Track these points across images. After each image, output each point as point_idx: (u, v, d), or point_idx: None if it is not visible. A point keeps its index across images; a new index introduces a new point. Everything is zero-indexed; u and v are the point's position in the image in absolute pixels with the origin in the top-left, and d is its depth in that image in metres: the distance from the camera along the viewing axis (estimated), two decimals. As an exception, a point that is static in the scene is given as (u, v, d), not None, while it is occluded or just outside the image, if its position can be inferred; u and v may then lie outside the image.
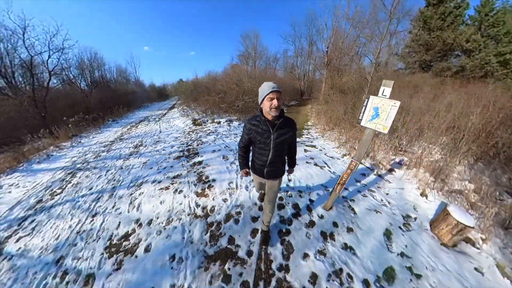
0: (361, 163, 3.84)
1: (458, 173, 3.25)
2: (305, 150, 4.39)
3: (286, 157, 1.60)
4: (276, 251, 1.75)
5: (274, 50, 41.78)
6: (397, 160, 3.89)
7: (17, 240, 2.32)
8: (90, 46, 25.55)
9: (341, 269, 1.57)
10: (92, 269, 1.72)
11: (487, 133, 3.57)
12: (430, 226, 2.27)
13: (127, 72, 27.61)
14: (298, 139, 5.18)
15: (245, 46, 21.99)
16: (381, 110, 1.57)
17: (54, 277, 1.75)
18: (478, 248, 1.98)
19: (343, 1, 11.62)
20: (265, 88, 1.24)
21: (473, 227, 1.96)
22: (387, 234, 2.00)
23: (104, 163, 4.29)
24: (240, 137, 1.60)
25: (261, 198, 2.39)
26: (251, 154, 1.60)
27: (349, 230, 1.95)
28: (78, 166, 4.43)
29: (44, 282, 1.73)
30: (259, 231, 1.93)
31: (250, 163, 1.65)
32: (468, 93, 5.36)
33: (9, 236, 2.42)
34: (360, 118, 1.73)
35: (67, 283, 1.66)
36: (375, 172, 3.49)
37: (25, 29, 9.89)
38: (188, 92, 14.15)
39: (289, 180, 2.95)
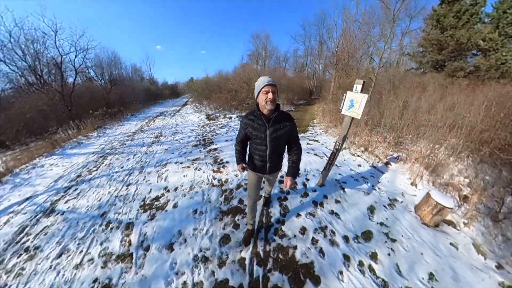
0: (359, 156, 4.15)
1: (459, 171, 3.42)
2: (308, 144, 4.75)
3: (285, 152, 1.55)
4: (275, 210, 2.20)
5: (284, 49, 42.04)
6: (394, 155, 4.15)
7: (66, 202, 2.90)
8: (108, 46, 27.08)
9: (326, 226, 1.96)
10: (130, 219, 2.23)
11: (482, 131, 3.75)
12: (415, 209, 2.56)
13: (142, 71, 28.99)
14: (302, 134, 5.53)
15: (255, 46, 22.47)
16: (355, 102, 1.97)
17: (100, 225, 2.28)
18: (458, 230, 2.15)
19: (352, 2, 11.70)
20: (260, 82, 1.26)
21: (451, 208, 2.19)
22: (371, 209, 2.34)
23: (130, 149, 4.91)
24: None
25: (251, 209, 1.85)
26: (248, 150, 1.60)
27: (337, 201, 2.33)
28: (107, 151, 5.07)
29: (92, 229, 2.25)
30: (263, 197, 2.29)
31: (248, 160, 1.62)
32: (475, 93, 5.44)
33: (58, 199, 3.01)
34: (341, 108, 2.12)
35: (111, 229, 2.18)
36: (370, 164, 3.78)
37: (56, 32, 10.92)
38: (200, 90, 14.80)
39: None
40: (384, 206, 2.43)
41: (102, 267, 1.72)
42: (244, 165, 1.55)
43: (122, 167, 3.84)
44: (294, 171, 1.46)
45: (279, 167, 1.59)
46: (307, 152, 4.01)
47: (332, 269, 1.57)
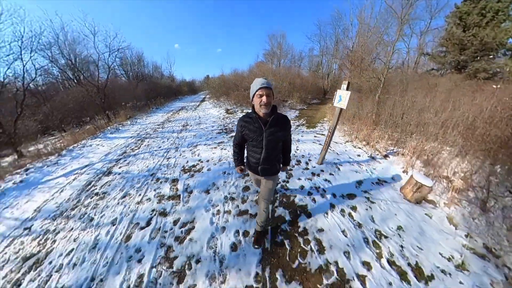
0: (360, 148, 4.65)
1: (452, 164, 3.78)
2: (315, 136, 5.31)
3: (280, 155, 1.58)
4: (282, 174, 2.90)
5: (300, 48, 42.17)
6: (394, 150, 4.59)
7: (119, 167, 3.78)
8: (132, 45, 29.21)
9: (319, 187, 2.61)
10: (175, 177, 3.04)
11: (477, 128, 4.07)
12: (400, 189, 3.06)
13: (162, 68, 30.85)
14: (311, 129, 6.09)
15: (271, 45, 23.02)
16: (342, 97, 2.59)
17: (152, 180, 3.10)
18: (436, 207, 2.51)
19: (368, 2, 11.78)
20: (255, 84, 1.24)
21: (430, 186, 2.63)
22: (359, 182, 2.90)
23: (163, 134, 5.85)
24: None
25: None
26: (246, 151, 1.60)
27: (331, 174, 2.93)
28: (143, 136, 6.04)
29: (145, 182, 3.07)
30: (253, 231, 1.85)
31: (245, 160, 1.63)
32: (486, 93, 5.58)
33: (113, 166, 3.91)
34: (333, 102, 2.73)
35: (161, 182, 2.98)
36: (369, 155, 4.27)
37: (95, 34, 12.41)
38: (217, 88, 15.73)
39: (297, 150, 3.97)
40: (372, 183, 2.96)
41: (157, 203, 2.51)
42: (242, 166, 1.61)
43: (159, 147, 4.72)
44: (286, 162, 1.67)
45: (275, 171, 1.53)
46: (313, 142, 4.59)
47: (320, 210, 2.20)
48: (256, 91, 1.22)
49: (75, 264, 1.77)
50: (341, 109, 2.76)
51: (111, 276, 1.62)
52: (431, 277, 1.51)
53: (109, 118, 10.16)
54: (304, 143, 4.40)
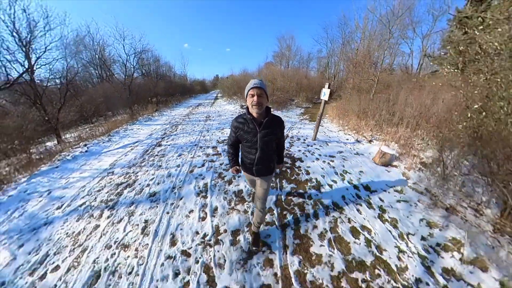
0: (349, 135, 5.78)
1: (420, 146, 4.90)
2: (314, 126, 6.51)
3: (275, 155, 1.59)
4: (287, 144, 4.10)
5: (308, 49, 43.05)
6: (378, 136, 5.71)
7: (166, 141, 5.15)
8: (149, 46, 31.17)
9: (310, 151, 3.90)
10: (214, 145, 4.36)
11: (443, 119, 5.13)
12: (372, 159, 4.23)
13: (174, 68, 32.89)
14: (312, 122, 7.28)
15: (280, 47, 24.21)
16: (326, 93, 3.82)
17: (196, 148, 4.42)
18: (397, 168, 3.74)
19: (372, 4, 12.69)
20: (248, 85, 1.28)
21: (391, 154, 3.83)
22: (340, 152, 4.09)
23: (192, 122, 7.25)
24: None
25: (254, 199, 2.19)
26: (240, 151, 1.60)
27: (320, 146, 4.19)
28: (175, 123, 7.46)
29: (192, 148, 4.41)
30: (252, 233, 1.84)
31: (240, 161, 1.64)
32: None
33: (160, 141, 5.27)
34: (320, 96, 3.95)
35: (204, 148, 4.32)
36: (356, 139, 5.42)
37: (124, 38, 14.17)
38: (230, 87, 17.14)
39: (298, 133, 5.21)
40: (350, 153, 4.14)
41: (206, 156, 3.83)
42: (237, 167, 1.61)
43: (193, 130, 6.12)
44: (280, 160, 1.72)
45: (270, 171, 1.56)
46: (311, 129, 5.80)
47: (309, 160, 3.47)
48: (248, 91, 1.25)
49: (158, 183, 3.05)
50: (325, 100, 3.97)
51: (186, 185, 2.91)
52: (375, 191, 2.67)
53: (132, 111, 11.69)
54: (305, 130, 5.65)
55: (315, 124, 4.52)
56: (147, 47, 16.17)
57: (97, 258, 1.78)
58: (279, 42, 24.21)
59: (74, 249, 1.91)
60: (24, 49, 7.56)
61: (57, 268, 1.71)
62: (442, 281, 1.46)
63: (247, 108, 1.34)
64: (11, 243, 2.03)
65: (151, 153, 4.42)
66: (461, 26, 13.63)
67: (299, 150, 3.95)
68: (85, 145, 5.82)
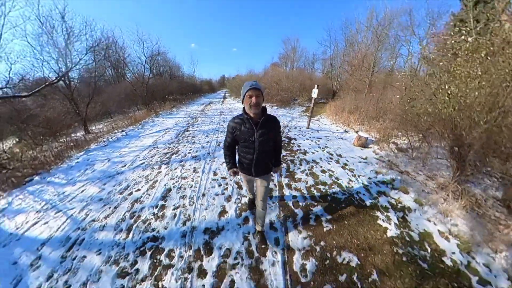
0: (340, 127, 6.99)
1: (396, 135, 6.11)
2: (312, 122, 7.75)
3: (272, 155, 1.62)
4: (285, 129, 5.38)
5: (314, 50, 44.08)
6: (363, 128, 6.91)
7: (193, 128, 6.52)
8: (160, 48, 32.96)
9: (303, 134, 5.16)
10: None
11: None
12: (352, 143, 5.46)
13: (183, 68, 34.62)
14: (312, 118, 8.48)
15: (285, 49, 25.35)
16: (315, 92, 5.08)
17: (218, 132, 5.76)
18: (370, 148, 5.07)
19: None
20: (245, 87, 1.32)
21: (366, 137, 5.07)
22: (326, 136, 5.34)
23: (209, 116, 8.63)
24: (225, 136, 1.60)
25: (250, 205, 2.27)
26: (237, 153, 1.62)
27: (312, 132, 5.44)
28: (194, 116, 8.84)
29: (215, 132, 5.75)
30: (256, 231, 1.92)
31: (238, 162, 1.65)
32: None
33: (187, 128, 6.64)
34: (312, 94, 5.22)
35: (222, 132, 5.64)
36: (344, 130, 6.64)
37: (144, 42, 15.74)
38: (238, 87, 18.52)
39: (297, 124, 6.48)
40: (335, 138, 5.38)
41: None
42: (235, 169, 1.65)
43: (212, 121, 7.48)
44: (278, 162, 1.73)
45: (268, 170, 1.60)
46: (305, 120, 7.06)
47: (300, 139, 4.74)
48: (246, 92, 1.30)
49: (196, 151, 4.37)
50: (314, 98, 5.24)
51: (217, 151, 4.20)
52: (344, 157, 3.90)
53: (148, 108, 13.14)
54: (302, 122, 6.89)
55: (308, 115, 5.78)
56: (162, 50, 17.78)
57: (166, 183, 3.06)
58: (284, 44, 25.38)
59: (147, 181, 3.18)
60: (63, 52, 9.07)
61: (139, 190, 2.95)
62: (374, 193, 2.67)
63: (244, 108, 1.39)
64: (95, 184, 3.27)
65: (183, 135, 5.79)
66: (455, 30, 14.51)
67: (295, 134, 5.26)
68: (123, 130, 7.28)
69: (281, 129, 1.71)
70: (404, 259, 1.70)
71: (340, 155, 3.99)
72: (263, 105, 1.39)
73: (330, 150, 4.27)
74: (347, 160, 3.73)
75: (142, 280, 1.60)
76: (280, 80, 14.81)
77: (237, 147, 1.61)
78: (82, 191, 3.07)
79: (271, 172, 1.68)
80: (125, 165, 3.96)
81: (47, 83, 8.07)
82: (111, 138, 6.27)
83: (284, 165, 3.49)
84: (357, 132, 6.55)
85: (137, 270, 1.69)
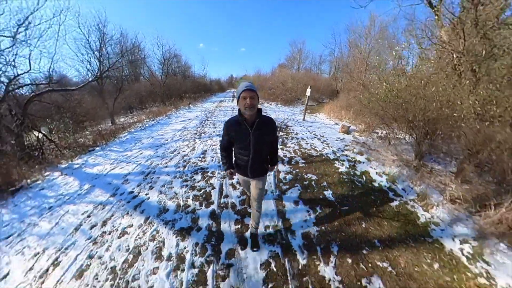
0: (333, 120, 8.33)
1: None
2: (310, 117, 9.10)
3: (268, 156, 1.65)
4: (285, 120, 6.81)
5: (321, 51, 44.86)
6: (351, 121, 8.19)
7: (211, 119, 8.07)
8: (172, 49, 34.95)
9: (298, 123, 6.57)
10: None
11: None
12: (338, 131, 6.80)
13: (194, 68, 36.46)
14: (310, 114, 9.82)
15: (291, 51, 26.61)
16: (308, 90, 6.49)
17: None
18: (350, 134, 6.40)
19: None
20: (239, 88, 1.33)
21: (348, 126, 6.41)
22: (317, 125, 6.72)
23: (223, 111, 10.17)
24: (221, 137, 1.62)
25: (248, 202, 2.33)
26: (234, 154, 1.64)
27: (306, 123, 6.84)
28: (210, 111, 10.42)
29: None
30: (250, 234, 1.91)
31: (234, 163, 1.68)
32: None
33: (208, 118, 8.22)
34: (306, 93, 6.61)
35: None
36: (335, 123, 7.96)
37: (162, 46, 17.55)
38: (246, 87, 19.98)
39: (294, 118, 7.88)
40: (324, 127, 6.73)
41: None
42: (232, 170, 1.67)
43: (226, 114, 9.02)
44: (274, 162, 1.75)
45: (263, 172, 1.62)
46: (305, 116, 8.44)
47: (295, 126, 6.16)
48: (240, 93, 1.30)
49: (218, 132, 5.86)
50: (308, 96, 6.63)
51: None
52: (326, 138, 5.28)
53: (165, 104, 14.77)
54: (300, 116, 8.26)
55: (303, 109, 7.16)
56: (177, 53, 19.62)
57: (202, 148, 4.58)
58: (290, 46, 26.63)
59: (188, 147, 4.72)
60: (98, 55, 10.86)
61: (184, 151, 4.50)
62: (338, 155, 4.04)
63: (239, 110, 1.38)
64: (149, 149, 4.80)
65: (205, 123, 7.37)
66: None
67: (292, 123, 6.69)
68: (153, 119, 8.93)
69: (277, 130, 1.73)
70: (346, 179, 3.06)
71: (323, 136, 5.37)
72: (258, 106, 1.40)
73: (317, 133, 5.66)
74: (326, 139, 5.12)
75: (198, 181, 3.08)
76: (286, 81, 16.16)
77: (233, 148, 1.62)
78: (140, 154, 4.59)
79: (268, 173, 1.69)
80: (166, 140, 5.53)
81: (91, 79, 9.88)
82: (146, 124, 7.92)
83: (280, 140, 4.89)
84: (342, 122, 7.87)
85: (194, 179, 3.17)
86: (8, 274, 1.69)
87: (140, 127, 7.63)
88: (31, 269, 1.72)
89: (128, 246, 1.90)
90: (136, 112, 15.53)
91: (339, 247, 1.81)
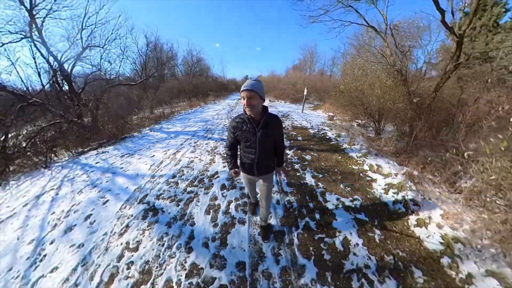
0: (327, 114, 10.74)
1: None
2: (309, 111, 11.51)
3: (274, 154, 1.66)
4: (290, 112, 9.40)
5: (333, 53, 45.99)
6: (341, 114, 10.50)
7: (235, 110, 10.88)
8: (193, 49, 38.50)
9: (297, 114, 9.14)
10: None
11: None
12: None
13: (213, 68, 39.62)
14: (313, 111, 12.20)
15: (303, 55, 28.64)
16: (305, 90, 9.02)
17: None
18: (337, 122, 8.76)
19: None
20: (242, 87, 1.30)
21: (332, 115, 8.80)
22: (310, 116, 9.16)
23: (241, 106, 12.90)
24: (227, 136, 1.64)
25: (252, 210, 2.30)
26: (239, 153, 1.64)
27: (303, 114, 9.35)
28: (232, 106, 13.25)
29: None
30: (260, 227, 2.03)
31: (239, 163, 1.67)
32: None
33: (231, 109, 11.08)
34: (304, 92, 9.13)
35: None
36: (327, 115, 10.30)
37: (192, 56, 20.70)
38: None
39: (296, 112, 10.39)
40: (316, 116, 9.15)
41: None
42: (236, 169, 1.63)
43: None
44: (280, 162, 1.73)
45: (270, 169, 1.63)
46: (306, 111, 10.89)
47: (293, 115, 8.76)
48: (241, 93, 1.31)
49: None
50: (305, 94, 9.16)
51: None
52: (312, 122, 7.75)
53: (190, 100, 17.71)
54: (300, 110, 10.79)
55: (302, 103, 9.67)
56: (202, 57, 22.86)
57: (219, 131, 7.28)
58: (302, 50, 28.66)
59: (226, 122, 7.48)
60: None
61: (225, 123, 7.31)
62: (316, 129, 6.54)
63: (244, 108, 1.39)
64: (199, 122, 7.72)
65: (231, 112, 10.26)
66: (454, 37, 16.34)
67: (293, 114, 9.29)
68: (191, 108, 11.91)
69: (283, 127, 1.69)
70: (312, 135, 5.58)
71: (310, 121, 7.87)
72: (265, 104, 1.40)
73: (307, 119, 8.19)
74: (312, 121, 7.65)
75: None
76: (296, 82, 18.51)
77: (238, 146, 1.62)
78: (196, 124, 7.51)
79: (274, 170, 1.70)
80: (209, 119, 8.49)
81: (147, 76, 13.11)
82: (188, 111, 10.92)
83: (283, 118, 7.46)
84: (334, 116, 10.20)
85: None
86: (154, 155, 4.48)
87: (184, 112, 10.60)
88: (165, 153, 4.53)
89: (209, 150, 4.62)
90: (167, 106, 18.81)
91: (297, 149, 4.39)
